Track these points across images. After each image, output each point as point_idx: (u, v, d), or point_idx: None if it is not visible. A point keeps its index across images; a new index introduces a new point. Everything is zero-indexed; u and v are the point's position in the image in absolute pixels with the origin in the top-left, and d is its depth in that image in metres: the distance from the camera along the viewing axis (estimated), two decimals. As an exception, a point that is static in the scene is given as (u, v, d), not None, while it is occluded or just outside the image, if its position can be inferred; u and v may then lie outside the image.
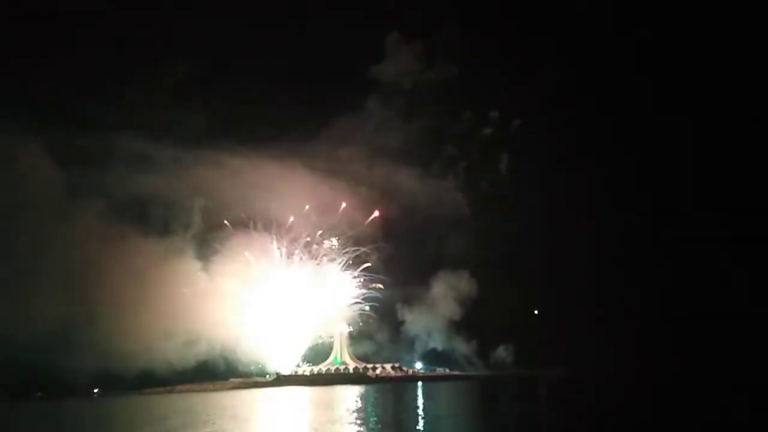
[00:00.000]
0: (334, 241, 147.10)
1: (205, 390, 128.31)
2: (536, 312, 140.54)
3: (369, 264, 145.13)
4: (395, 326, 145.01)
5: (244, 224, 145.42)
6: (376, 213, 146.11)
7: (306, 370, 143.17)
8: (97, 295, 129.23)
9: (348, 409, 48.67)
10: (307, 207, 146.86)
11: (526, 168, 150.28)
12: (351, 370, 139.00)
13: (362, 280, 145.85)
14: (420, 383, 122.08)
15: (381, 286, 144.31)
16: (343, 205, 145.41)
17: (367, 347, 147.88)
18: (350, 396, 74.04)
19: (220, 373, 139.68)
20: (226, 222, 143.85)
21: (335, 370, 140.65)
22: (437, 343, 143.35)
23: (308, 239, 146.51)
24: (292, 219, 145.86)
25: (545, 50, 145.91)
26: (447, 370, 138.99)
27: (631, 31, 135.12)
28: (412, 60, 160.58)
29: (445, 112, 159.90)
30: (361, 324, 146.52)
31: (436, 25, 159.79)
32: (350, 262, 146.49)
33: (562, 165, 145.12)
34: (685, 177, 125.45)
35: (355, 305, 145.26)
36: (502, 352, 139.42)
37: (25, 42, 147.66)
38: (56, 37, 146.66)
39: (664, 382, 77.72)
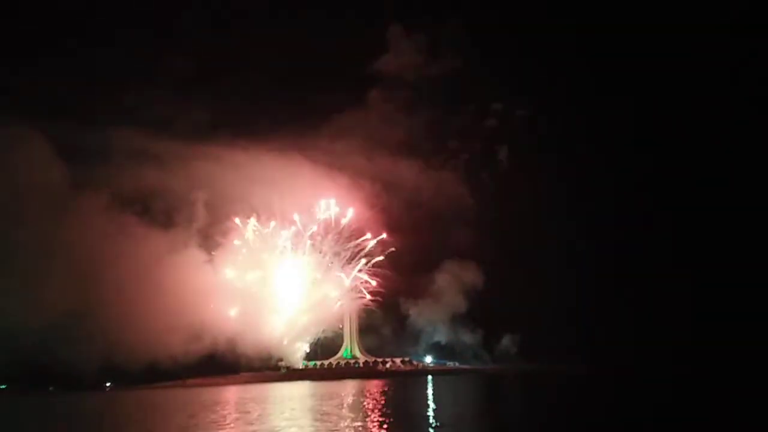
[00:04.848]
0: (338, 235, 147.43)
1: (217, 384, 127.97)
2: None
3: (372, 257, 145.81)
4: (400, 320, 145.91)
5: (248, 217, 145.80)
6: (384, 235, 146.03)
7: (317, 364, 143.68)
8: (101, 289, 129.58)
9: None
10: (310, 200, 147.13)
11: (526, 158, 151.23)
12: (361, 364, 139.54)
13: (366, 273, 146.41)
14: (430, 377, 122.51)
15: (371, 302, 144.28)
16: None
17: (371, 341, 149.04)
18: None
19: (226, 366, 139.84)
20: (235, 219, 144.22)
21: (345, 364, 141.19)
22: (442, 335, 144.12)
23: (312, 232, 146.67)
24: (295, 212, 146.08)
25: (547, 42, 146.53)
26: (457, 364, 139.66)
27: (633, 24, 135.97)
28: (415, 52, 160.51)
29: (448, 104, 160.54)
30: (365, 317, 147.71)
31: (439, 17, 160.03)
32: (354, 255, 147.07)
33: (563, 155, 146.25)
34: (695, 167, 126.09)
35: (359, 299, 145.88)
36: (507, 342, 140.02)
37: (29, 40, 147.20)
38: (60, 35, 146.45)
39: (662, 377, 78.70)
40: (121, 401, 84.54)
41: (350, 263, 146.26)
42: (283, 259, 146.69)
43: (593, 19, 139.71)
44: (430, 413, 41.29)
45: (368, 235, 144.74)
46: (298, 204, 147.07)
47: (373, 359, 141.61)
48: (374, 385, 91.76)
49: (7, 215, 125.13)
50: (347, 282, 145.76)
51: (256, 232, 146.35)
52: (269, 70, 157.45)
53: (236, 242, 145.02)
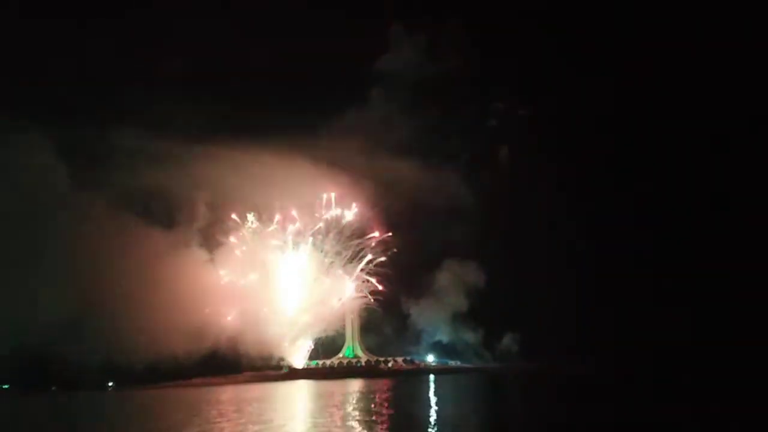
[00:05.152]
0: (339, 234, 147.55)
1: (219, 383, 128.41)
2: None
3: (373, 256, 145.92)
4: (401, 319, 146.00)
5: (248, 216, 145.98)
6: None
7: (318, 363, 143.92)
8: (102, 289, 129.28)
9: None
10: (311, 200, 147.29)
11: (526, 158, 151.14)
12: (363, 363, 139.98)
13: (367, 272, 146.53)
14: (432, 376, 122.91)
15: (372, 301, 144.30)
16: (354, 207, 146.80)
17: (373, 340, 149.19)
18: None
19: (228, 366, 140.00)
20: (234, 217, 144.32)
21: (347, 363, 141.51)
22: (444, 335, 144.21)
23: (313, 231, 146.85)
24: (296, 211, 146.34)
25: (548, 42, 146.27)
26: (458, 363, 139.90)
27: (635, 24, 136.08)
28: (415, 52, 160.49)
29: (448, 104, 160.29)
30: (366, 316, 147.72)
31: (439, 17, 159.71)
32: (355, 254, 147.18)
33: (563, 155, 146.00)
34: (696, 167, 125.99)
35: (360, 298, 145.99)
36: (508, 341, 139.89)
37: (29, 39, 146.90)
38: (60, 34, 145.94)
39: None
40: (123, 401, 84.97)
41: (351, 262, 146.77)
42: (284, 258, 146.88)
43: (594, 19, 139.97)
44: (432, 412, 41.66)
45: (375, 233, 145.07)
46: (299, 203, 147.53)
47: (375, 358, 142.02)
48: (376, 384, 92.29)
49: (7, 216, 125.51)
50: (348, 281, 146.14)
51: (257, 231, 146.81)
52: (269, 70, 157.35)
53: (237, 241, 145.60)
